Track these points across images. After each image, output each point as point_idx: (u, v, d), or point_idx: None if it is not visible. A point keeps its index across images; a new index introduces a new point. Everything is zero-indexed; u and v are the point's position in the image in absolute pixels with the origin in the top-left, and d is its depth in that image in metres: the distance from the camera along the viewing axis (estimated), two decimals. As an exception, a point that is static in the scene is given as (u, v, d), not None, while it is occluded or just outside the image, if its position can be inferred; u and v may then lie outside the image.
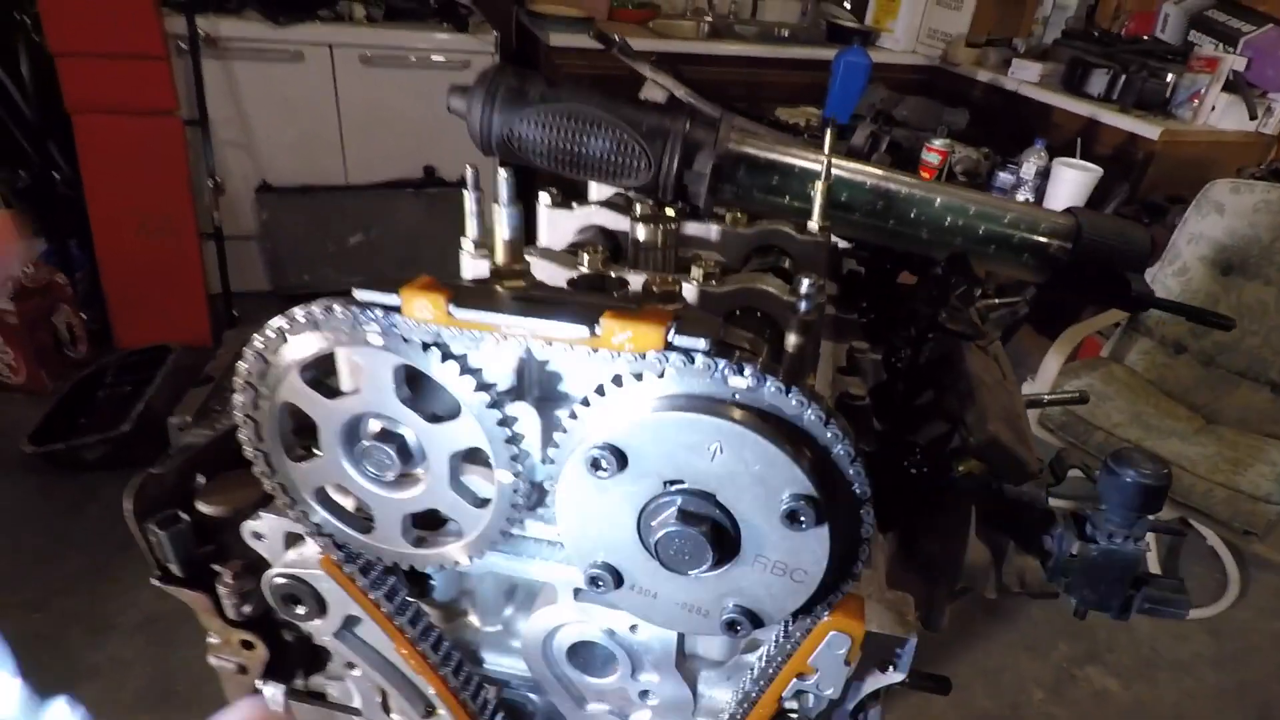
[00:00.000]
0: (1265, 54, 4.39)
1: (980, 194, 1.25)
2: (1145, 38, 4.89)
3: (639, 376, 0.59)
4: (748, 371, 0.57)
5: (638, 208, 1.20)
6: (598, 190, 1.39)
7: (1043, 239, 1.22)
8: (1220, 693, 3.13)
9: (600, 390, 0.61)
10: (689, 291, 0.92)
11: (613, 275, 0.88)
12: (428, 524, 0.75)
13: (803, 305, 0.64)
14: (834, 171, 1.17)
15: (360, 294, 0.61)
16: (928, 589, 0.94)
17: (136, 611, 2.64)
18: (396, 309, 0.61)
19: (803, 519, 0.57)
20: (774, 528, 0.60)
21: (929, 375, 0.99)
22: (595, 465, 0.59)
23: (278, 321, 0.63)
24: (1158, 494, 0.84)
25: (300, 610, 0.80)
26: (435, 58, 4.28)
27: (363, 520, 0.74)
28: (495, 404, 0.64)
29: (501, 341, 0.60)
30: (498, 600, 0.89)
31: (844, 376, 1.12)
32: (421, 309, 0.59)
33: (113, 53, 3.67)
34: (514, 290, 0.63)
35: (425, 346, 0.62)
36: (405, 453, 0.68)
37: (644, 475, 0.60)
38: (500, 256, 0.69)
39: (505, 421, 0.64)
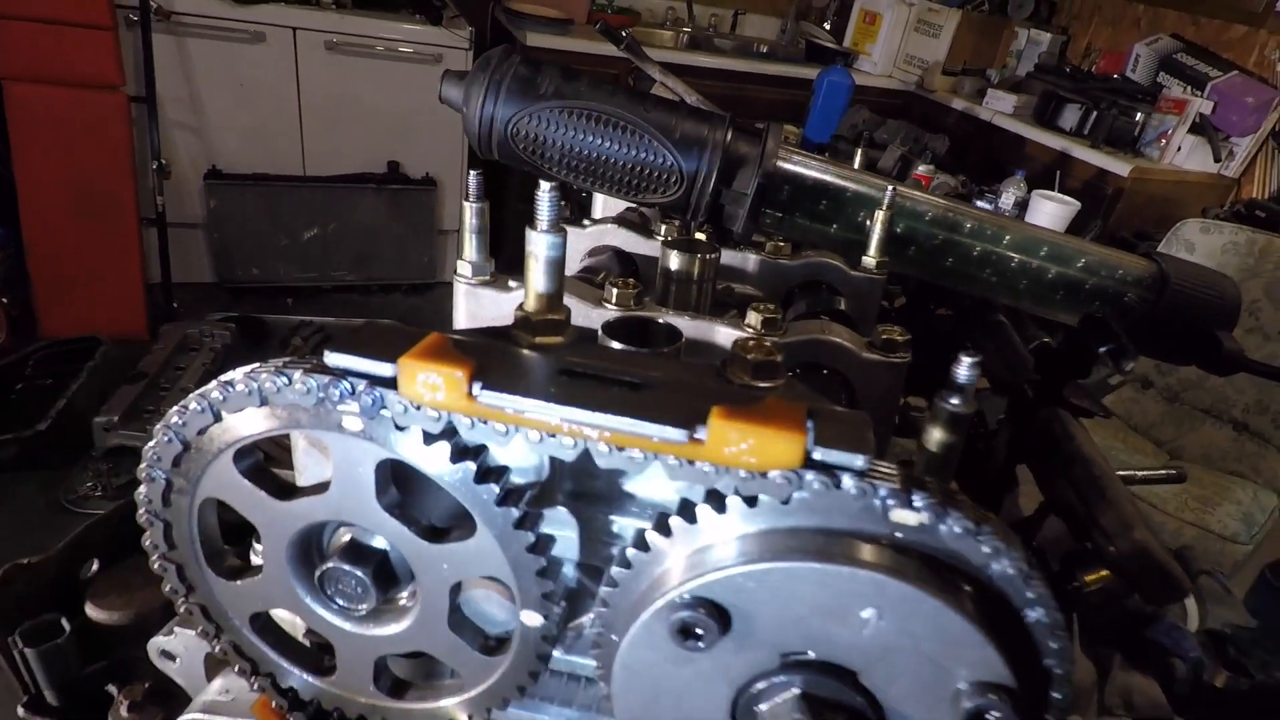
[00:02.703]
0: (1230, 100, 4.44)
1: (1052, 232, 1.09)
2: (1115, 76, 4.90)
3: (752, 501, 0.40)
4: (921, 501, 0.38)
5: (663, 229, 1.01)
6: (604, 205, 1.19)
7: (1120, 287, 1.06)
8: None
9: (688, 514, 0.41)
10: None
11: (660, 320, 0.69)
12: (410, 658, 0.54)
13: (956, 399, 0.45)
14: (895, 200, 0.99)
15: (335, 358, 0.41)
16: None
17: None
18: (389, 383, 0.41)
19: (992, 717, 0.39)
20: (940, 729, 0.40)
21: (1022, 451, 0.82)
22: (686, 633, 0.40)
23: (210, 391, 0.42)
24: (1335, 623, 0.67)
25: (225, 766, 0.58)
26: (405, 49, 4.07)
27: (319, 656, 0.53)
28: (526, 522, 0.44)
29: (545, 437, 0.40)
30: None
31: (897, 439, 0.95)
32: (430, 388, 0.39)
33: (54, 19, 3.38)
34: (559, 358, 0.43)
35: (429, 438, 0.41)
36: (386, 578, 0.47)
37: (753, 645, 0.41)
38: (533, 300, 0.49)
39: (539, 545, 0.44)
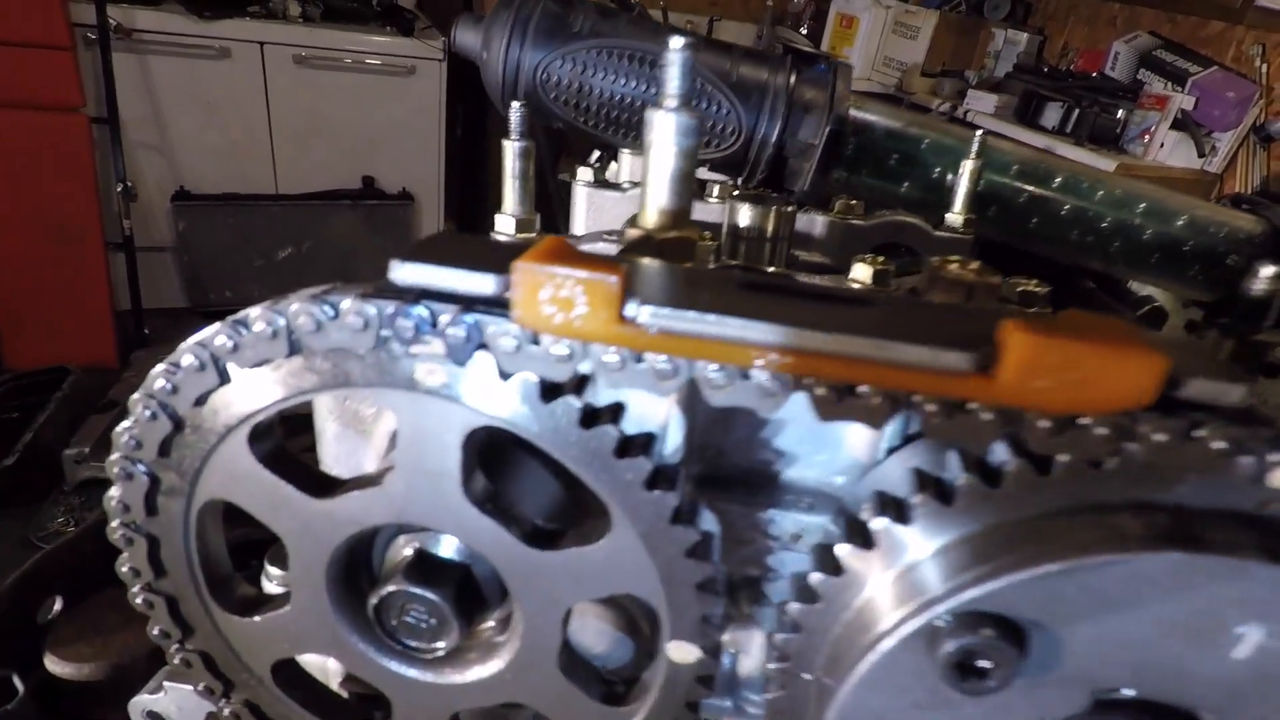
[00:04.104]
0: (1211, 95, 4.44)
1: (1152, 186, 0.97)
2: (1094, 74, 4.90)
3: (1043, 465, 0.26)
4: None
5: (715, 189, 0.88)
6: (630, 166, 1.05)
7: (1226, 247, 0.94)
8: None
9: (938, 491, 0.27)
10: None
11: (768, 271, 0.55)
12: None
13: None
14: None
15: (408, 271, 0.27)
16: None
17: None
18: (493, 305, 0.27)
19: None
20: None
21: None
22: (966, 667, 0.26)
23: (213, 337, 0.28)
24: None
25: None
26: (376, 62, 3.95)
27: (367, 715, 0.39)
28: (685, 514, 0.30)
29: (737, 379, 0.26)
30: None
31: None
32: (561, 306, 0.25)
33: (9, 40, 3.24)
34: (724, 273, 0.29)
35: (548, 391, 0.28)
36: (471, 604, 0.33)
37: (1053, 681, 0.27)
38: (654, 210, 0.35)
39: (703, 548, 0.30)
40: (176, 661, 0.37)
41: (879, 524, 0.29)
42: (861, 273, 0.62)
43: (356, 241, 4.28)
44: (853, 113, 0.86)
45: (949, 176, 0.88)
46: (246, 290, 4.02)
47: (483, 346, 0.27)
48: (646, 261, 0.28)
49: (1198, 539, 0.25)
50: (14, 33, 3.42)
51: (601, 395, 0.30)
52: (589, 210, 0.87)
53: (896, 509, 0.29)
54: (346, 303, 0.27)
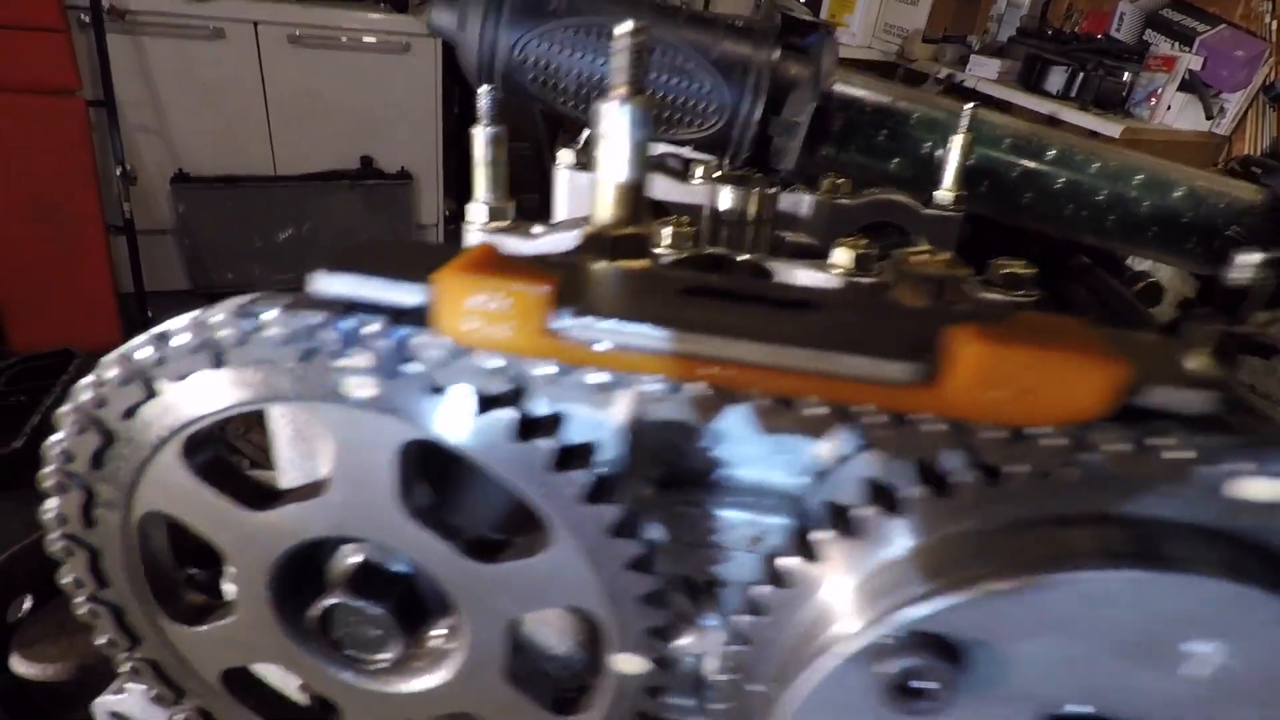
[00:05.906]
0: (1220, 54, 4.34)
1: (1148, 157, 0.95)
2: (1099, 36, 4.80)
3: (994, 474, 0.25)
4: None
5: (699, 170, 0.86)
6: None
7: (1227, 218, 0.92)
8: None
9: (883, 500, 0.26)
10: (826, 284, 0.59)
11: (739, 259, 0.54)
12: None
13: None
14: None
15: (330, 282, 0.26)
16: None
17: None
18: (418, 317, 0.26)
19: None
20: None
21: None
22: (904, 688, 0.25)
23: (134, 349, 0.27)
24: None
25: None
26: (371, 39, 3.90)
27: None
28: (628, 526, 0.29)
29: (662, 393, 0.25)
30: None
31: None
32: (489, 320, 0.24)
33: (2, 23, 3.22)
34: (669, 274, 0.28)
35: (483, 404, 0.27)
36: (414, 613, 0.32)
37: (998, 701, 0.26)
38: (610, 204, 0.34)
39: (647, 560, 0.30)
40: (126, 669, 0.36)
41: (822, 537, 0.28)
42: (842, 257, 0.60)
43: (356, 221, 4.26)
44: (839, 87, 0.84)
45: (939, 152, 0.86)
46: (248, 271, 4.01)
47: (410, 359, 0.26)
48: (591, 265, 0.27)
49: (1152, 555, 0.23)
50: (5, 15, 3.39)
51: (544, 405, 0.29)
52: (570, 194, 0.86)
53: (845, 521, 0.28)
54: (271, 314, 0.26)
